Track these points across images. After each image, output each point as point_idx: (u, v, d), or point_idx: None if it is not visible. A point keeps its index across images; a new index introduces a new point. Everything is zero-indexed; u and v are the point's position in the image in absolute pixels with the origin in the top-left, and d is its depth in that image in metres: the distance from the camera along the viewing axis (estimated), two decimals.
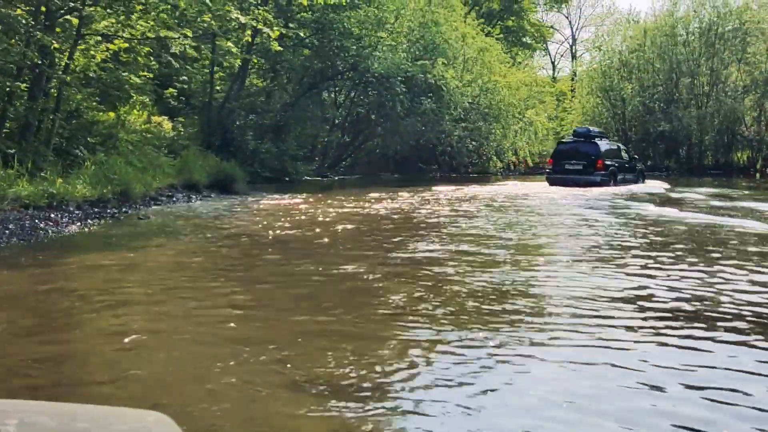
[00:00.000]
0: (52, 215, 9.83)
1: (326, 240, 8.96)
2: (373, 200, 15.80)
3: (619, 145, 25.21)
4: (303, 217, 11.82)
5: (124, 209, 11.91)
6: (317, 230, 9.90)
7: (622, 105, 42.97)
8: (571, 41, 68.12)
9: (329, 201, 15.84)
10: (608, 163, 21.11)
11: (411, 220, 11.60)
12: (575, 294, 5.27)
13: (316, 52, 26.96)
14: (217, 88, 26.03)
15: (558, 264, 6.85)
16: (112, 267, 6.77)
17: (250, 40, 17.61)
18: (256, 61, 26.31)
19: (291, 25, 21.64)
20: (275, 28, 14.13)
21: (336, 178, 27.98)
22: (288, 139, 25.83)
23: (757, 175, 36.29)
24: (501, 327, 4.32)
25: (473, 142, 30.91)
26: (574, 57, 70.02)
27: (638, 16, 48.91)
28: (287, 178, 22.98)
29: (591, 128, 23.59)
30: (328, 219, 11.49)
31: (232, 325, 4.52)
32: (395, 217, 12.05)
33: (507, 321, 4.49)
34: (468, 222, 11.04)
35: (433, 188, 20.65)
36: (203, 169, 18.77)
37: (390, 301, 5.12)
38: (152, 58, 18.83)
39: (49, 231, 8.92)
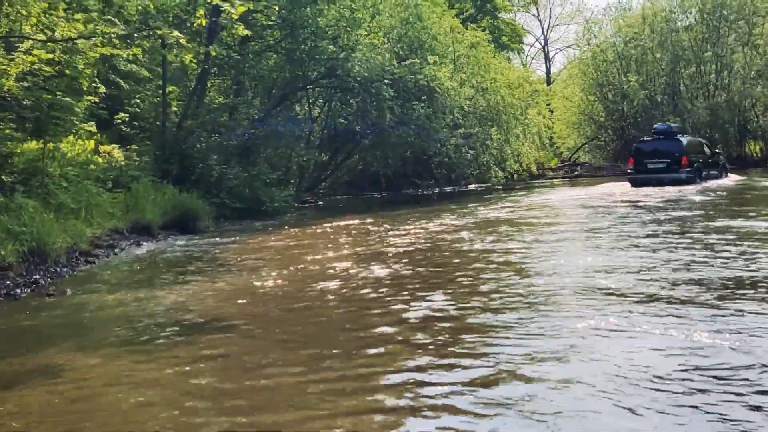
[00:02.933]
0: None
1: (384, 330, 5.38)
2: (383, 238, 12.40)
3: (701, 140, 24.89)
4: (309, 272, 8.37)
5: (33, 277, 8.32)
6: (347, 305, 6.45)
7: (622, 100, 40.19)
8: (543, 42, 66.21)
9: (324, 237, 12.41)
10: (693, 158, 20.91)
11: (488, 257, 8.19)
12: None
13: (286, 57, 23.56)
14: (174, 109, 22.62)
15: None
16: None
17: (204, 22, 14.10)
18: (216, 71, 22.92)
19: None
20: (238, 3, 10.57)
21: (320, 202, 24.47)
22: (259, 161, 22.35)
23: None
24: None
25: (470, 151, 27.49)
26: (547, 58, 67.97)
27: (629, 3, 45.93)
28: (263, 208, 19.45)
29: (671, 124, 23.44)
30: (345, 275, 8.06)
31: None
32: (455, 259, 8.63)
33: None
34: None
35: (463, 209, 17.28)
36: (157, 204, 15.23)
37: None
38: (98, 79, 15.79)
39: None
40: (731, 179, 22.66)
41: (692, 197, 16.33)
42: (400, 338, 4.97)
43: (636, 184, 21.02)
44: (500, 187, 28.61)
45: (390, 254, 9.56)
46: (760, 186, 20.45)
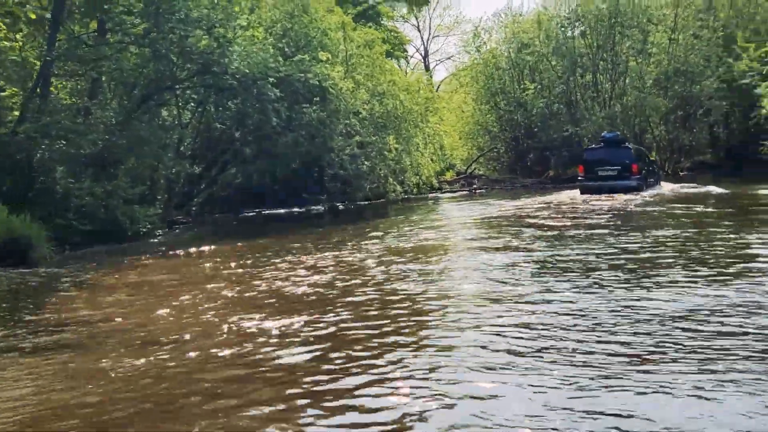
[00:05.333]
0: None
1: None
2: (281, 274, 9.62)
3: (641, 148, 25.99)
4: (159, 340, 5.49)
5: None
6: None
7: (516, 109, 39.17)
8: (423, 53, 65.31)
9: (189, 273, 9.47)
10: (641, 166, 21.39)
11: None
12: None
13: (151, 49, 20.20)
14: (15, 113, 18.73)
15: None
16: None
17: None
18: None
19: None
20: None
21: (191, 222, 21.03)
22: (118, 174, 18.87)
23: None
24: None
25: (366, 162, 24.88)
26: (427, 69, 67.15)
27: (521, 8, 45.31)
28: (122, 231, 16.05)
29: (617, 132, 24.16)
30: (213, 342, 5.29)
31: None
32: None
33: None
34: None
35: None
36: None
37: None
38: None
39: None
40: (668, 188, 22.92)
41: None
42: None
43: (587, 191, 21.29)
44: (400, 201, 26.23)
45: (275, 302, 6.86)
46: (716, 193, 19.67)
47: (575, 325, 5.19)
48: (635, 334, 4.84)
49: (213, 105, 23.29)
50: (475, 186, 34.47)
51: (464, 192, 32.63)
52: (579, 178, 22.27)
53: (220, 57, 19.82)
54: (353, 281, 7.87)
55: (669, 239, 9.54)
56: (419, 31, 65.18)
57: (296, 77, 20.70)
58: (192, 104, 24.81)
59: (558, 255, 8.79)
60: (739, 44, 33.24)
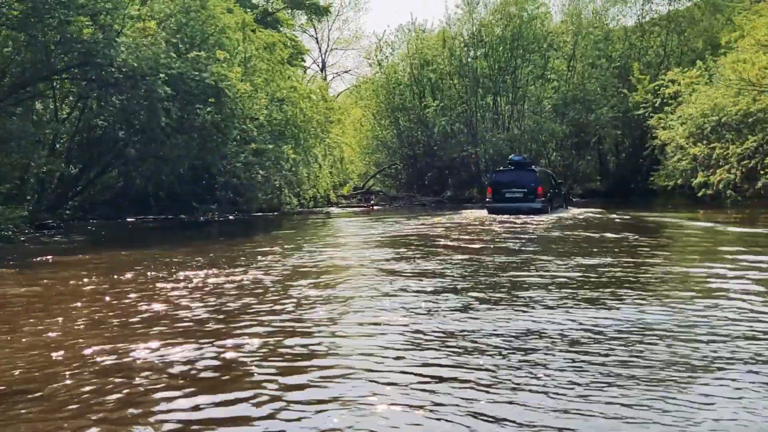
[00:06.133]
0: None
1: None
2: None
3: (548, 170, 26.97)
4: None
5: None
6: None
7: (416, 126, 38.83)
8: (320, 64, 64.27)
9: (64, 297, 7.98)
10: (545, 188, 22.11)
11: None
12: None
13: (26, 33, 18.18)
14: None
15: None
16: None
17: None
18: None
19: None
20: None
21: (62, 229, 18.93)
22: None
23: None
24: None
25: (261, 171, 23.45)
26: (324, 81, 66.29)
27: (425, 24, 45.00)
28: None
29: (524, 156, 25.11)
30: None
31: None
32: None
33: None
34: None
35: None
36: None
37: None
38: None
39: None
40: (574, 212, 23.48)
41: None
42: None
43: (494, 212, 22.01)
44: (295, 215, 24.91)
45: (147, 326, 5.61)
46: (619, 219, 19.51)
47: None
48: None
49: (96, 100, 21.32)
50: (372, 202, 33.66)
51: (361, 207, 31.76)
52: (487, 199, 22.94)
53: (105, 48, 18.07)
54: (248, 306, 6.68)
55: (599, 266, 8.90)
56: (317, 42, 64.08)
57: (190, 75, 19.17)
58: (71, 98, 22.71)
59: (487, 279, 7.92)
60: (635, 75, 34.23)
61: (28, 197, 21.89)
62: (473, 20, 36.66)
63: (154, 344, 5.22)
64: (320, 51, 63.95)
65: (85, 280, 8.86)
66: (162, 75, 18.42)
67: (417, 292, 7.37)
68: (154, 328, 5.82)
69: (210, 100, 19.86)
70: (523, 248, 11.81)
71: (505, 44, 35.78)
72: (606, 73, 36.01)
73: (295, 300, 7.05)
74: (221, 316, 6.28)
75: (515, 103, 36.87)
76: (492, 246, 12.46)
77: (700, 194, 26.55)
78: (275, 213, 24.95)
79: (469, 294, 7.12)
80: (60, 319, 6.26)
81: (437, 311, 6.29)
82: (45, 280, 9.00)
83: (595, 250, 11.27)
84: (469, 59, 36.08)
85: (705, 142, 26.96)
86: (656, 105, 31.83)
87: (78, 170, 23.16)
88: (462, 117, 37.08)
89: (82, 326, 5.98)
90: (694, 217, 19.70)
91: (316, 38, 64.39)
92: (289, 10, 53.06)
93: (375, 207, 31.98)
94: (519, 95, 36.51)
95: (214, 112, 20.03)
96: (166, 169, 21.93)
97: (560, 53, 37.19)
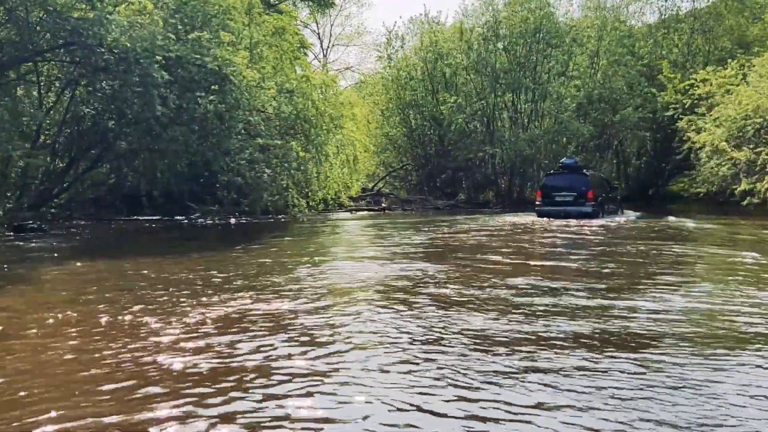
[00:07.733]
0: None
1: None
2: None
3: (601, 174, 26.85)
4: None
5: None
6: None
7: (430, 125, 36.75)
8: (321, 60, 62.38)
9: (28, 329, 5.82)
10: (597, 192, 22.04)
11: None
12: None
13: (2, 8, 16.09)
14: None
15: None
16: None
17: None
18: None
19: None
20: None
21: (43, 231, 16.64)
22: None
23: None
24: None
25: (267, 170, 21.20)
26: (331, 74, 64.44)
27: (438, 17, 42.71)
28: None
29: (576, 159, 25.07)
30: None
31: None
32: None
33: None
34: None
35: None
36: None
37: None
38: None
39: None
40: (629, 214, 23.90)
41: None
42: None
43: (542, 215, 22.14)
44: (305, 219, 22.58)
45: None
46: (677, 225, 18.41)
47: None
48: None
49: (84, 86, 19.18)
50: (384, 205, 31.54)
51: (373, 210, 29.63)
52: (537, 202, 23.11)
53: (95, 25, 15.96)
54: (270, 351, 4.57)
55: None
56: (319, 38, 62.07)
57: (190, 59, 17.03)
58: (57, 84, 20.58)
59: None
60: (665, 73, 32.21)
61: (8, 194, 19.80)
62: (492, 11, 34.57)
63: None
64: (322, 47, 62.03)
65: (51, 307, 6.70)
66: (158, 58, 16.36)
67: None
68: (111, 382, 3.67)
69: (212, 87, 17.75)
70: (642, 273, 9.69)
71: (526, 38, 33.69)
72: (632, 71, 34.01)
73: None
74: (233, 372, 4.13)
75: (536, 101, 34.82)
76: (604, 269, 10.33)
77: (745, 203, 24.57)
78: (282, 216, 22.58)
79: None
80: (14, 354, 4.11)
81: None
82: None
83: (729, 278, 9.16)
84: (487, 53, 33.91)
85: (751, 146, 24.98)
86: (687, 106, 29.90)
87: (64, 165, 21.03)
88: (479, 115, 34.96)
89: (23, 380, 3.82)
90: None
91: (318, 33, 62.41)
92: (292, 2, 51.10)
93: (387, 210, 29.87)
94: (540, 92, 34.42)
95: (216, 101, 17.88)
96: (162, 164, 19.75)
97: (584, 48, 35.16)
